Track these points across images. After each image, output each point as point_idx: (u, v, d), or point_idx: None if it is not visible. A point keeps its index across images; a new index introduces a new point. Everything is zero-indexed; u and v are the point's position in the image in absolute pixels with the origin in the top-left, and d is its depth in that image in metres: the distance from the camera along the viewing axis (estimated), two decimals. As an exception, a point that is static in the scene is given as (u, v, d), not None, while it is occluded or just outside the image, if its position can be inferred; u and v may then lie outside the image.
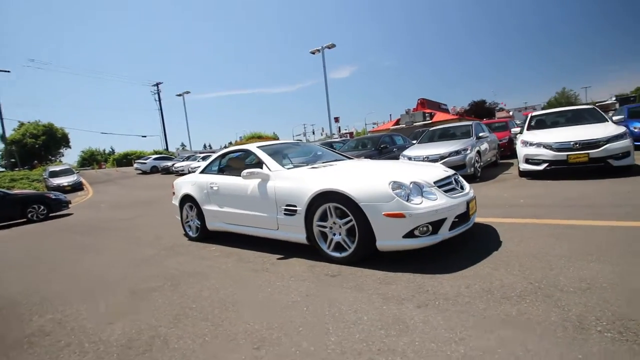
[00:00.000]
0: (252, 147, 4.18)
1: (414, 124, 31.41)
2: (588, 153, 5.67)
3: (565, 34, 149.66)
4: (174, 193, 5.15)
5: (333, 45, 19.30)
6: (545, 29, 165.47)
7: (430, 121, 31.69)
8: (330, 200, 2.94)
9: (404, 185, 2.73)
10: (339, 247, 2.99)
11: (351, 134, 70.71)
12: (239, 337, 1.92)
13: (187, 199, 4.66)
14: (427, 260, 2.72)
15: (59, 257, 4.68)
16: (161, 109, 39.24)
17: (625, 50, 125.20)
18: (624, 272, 2.14)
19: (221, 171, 4.45)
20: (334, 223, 2.97)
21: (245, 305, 2.35)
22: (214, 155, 4.70)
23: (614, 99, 46.30)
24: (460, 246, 2.98)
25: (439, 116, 32.81)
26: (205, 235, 4.48)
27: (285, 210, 3.31)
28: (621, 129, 5.86)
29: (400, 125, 31.94)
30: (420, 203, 2.65)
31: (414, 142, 10.45)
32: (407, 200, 2.64)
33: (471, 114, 36.31)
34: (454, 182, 3.12)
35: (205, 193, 4.32)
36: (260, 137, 36.26)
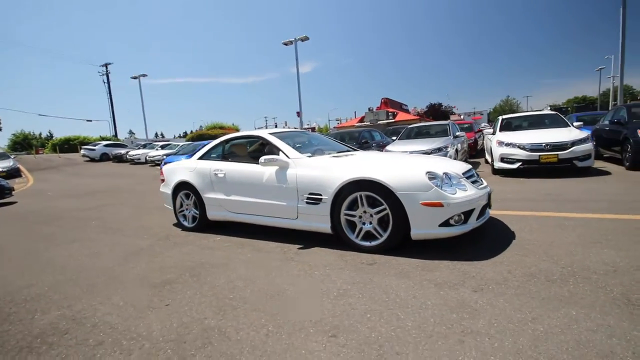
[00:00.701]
0: (264, 133, 4.00)
1: (378, 122, 32.37)
2: (557, 154, 6.28)
3: (511, 44, 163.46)
4: (162, 180, 4.76)
5: (306, 38, 19.06)
6: (492, 38, 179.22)
7: (393, 120, 32.94)
8: (362, 189, 2.92)
9: (438, 175, 2.79)
10: (367, 236, 2.99)
11: (313, 128, 70.95)
12: (306, 325, 1.83)
13: (182, 186, 4.33)
14: (453, 248, 2.82)
15: (28, 248, 4.10)
16: (110, 92, 35.95)
17: (557, 65, 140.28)
18: (636, 256, 2.40)
19: (225, 158, 4.20)
20: (364, 212, 2.96)
21: (292, 295, 2.25)
22: (216, 141, 4.42)
23: (548, 109, 52.01)
24: (477, 236, 3.13)
25: (401, 116, 34.16)
26: (203, 226, 4.22)
27: (308, 198, 3.22)
28: (584, 134, 6.57)
29: (365, 123, 32.72)
30: (455, 193, 2.73)
31: (394, 138, 10.76)
32: (442, 190, 2.71)
33: (429, 116, 38.28)
34: (475, 175, 3.26)
35: (208, 180, 4.05)
36: (222, 128, 34.95)
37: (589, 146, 6.28)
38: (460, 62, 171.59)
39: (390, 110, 34.49)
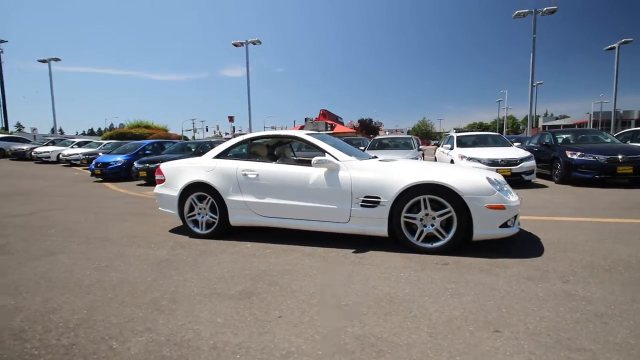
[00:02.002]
0: (301, 134, 3.85)
1: (318, 132, 33.16)
2: (510, 169, 7.38)
3: (425, 68, 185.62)
4: (161, 180, 4.16)
5: (258, 42, 18.67)
6: (409, 61, 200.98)
7: (331, 131, 34.15)
8: (425, 192, 3.04)
9: (495, 181, 3.09)
10: (427, 238, 3.11)
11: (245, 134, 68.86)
12: (461, 324, 1.85)
13: (195, 188, 3.86)
14: (489, 249, 3.11)
15: (-15, 265, 3.14)
16: (1, 77, 29.58)
17: (457, 93, 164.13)
18: (643, 249, 3.02)
19: (251, 157, 3.90)
20: (426, 214, 3.08)
21: (406, 297, 2.22)
22: (237, 139, 4.05)
23: (454, 131, 60.53)
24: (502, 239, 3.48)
25: (339, 128, 35.66)
26: (222, 233, 3.81)
27: (364, 201, 3.21)
28: (528, 152, 7.87)
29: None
30: (509, 198, 3.05)
31: (361, 148, 11.19)
32: (502, 195, 3.00)
33: (362, 130, 40.85)
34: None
35: (234, 182, 3.70)
36: (148, 127, 31.61)
37: (533, 163, 7.54)
38: (384, 84, 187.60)
39: (329, 122, 35.75)
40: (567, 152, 7.60)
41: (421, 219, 3.11)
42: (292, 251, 3.28)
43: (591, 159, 7.13)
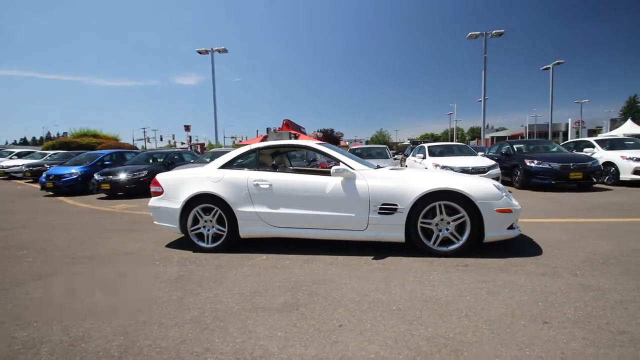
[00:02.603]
0: (312, 144, 3.89)
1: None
2: (480, 176, 8.01)
3: (380, 81, 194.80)
4: (157, 193, 3.92)
5: (225, 50, 18.28)
6: (365, 74, 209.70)
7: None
8: (441, 199, 3.22)
9: (500, 187, 3.36)
10: (442, 242, 3.28)
11: (202, 145, 66.67)
12: (493, 323, 1.99)
13: (200, 199, 3.69)
14: (501, 250, 3.39)
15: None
16: None
17: (409, 105, 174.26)
18: (627, 244, 3.46)
19: (260, 167, 3.83)
20: (441, 220, 3.26)
21: (442, 300, 2.32)
22: (244, 149, 3.95)
23: (408, 141, 63.94)
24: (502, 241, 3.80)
25: (303, 138, 35.91)
26: (229, 246, 3.67)
27: (382, 209, 3.31)
28: (493, 161, 8.60)
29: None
30: (513, 202, 3.34)
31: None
32: (509, 199, 3.27)
33: (325, 140, 41.56)
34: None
35: (244, 192, 3.60)
36: (96, 136, 29.22)
37: (498, 170, 8.26)
38: (343, 95, 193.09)
39: (293, 131, 35.84)
40: (526, 160, 8.44)
41: (437, 224, 3.28)
42: (312, 261, 3.26)
43: (547, 166, 7.99)
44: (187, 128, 60.04)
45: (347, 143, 60.76)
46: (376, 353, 1.70)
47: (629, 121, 37.26)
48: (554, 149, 9.76)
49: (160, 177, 4.00)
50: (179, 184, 3.84)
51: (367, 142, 73.61)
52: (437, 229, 3.28)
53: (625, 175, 8.20)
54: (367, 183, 3.39)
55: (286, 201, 3.54)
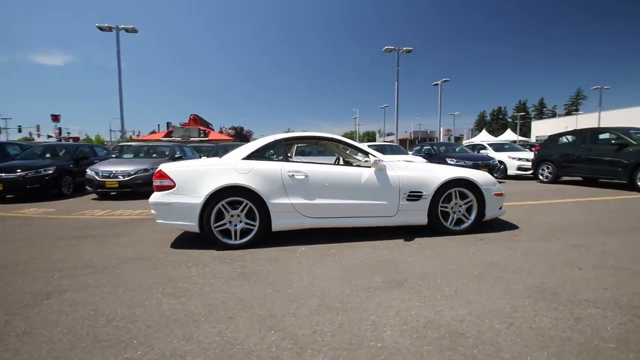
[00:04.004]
0: (338, 136, 3.96)
1: (190, 138, 30.52)
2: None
3: (283, 82, 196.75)
4: (167, 187, 3.45)
5: (134, 30, 15.75)
6: (274, 71, 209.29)
7: (206, 138, 32.00)
8: (456, 186, 3.82)
9: (493, 175, 4.16)
10: (456, 222, 3.88)
11: (77, 138, 55.98)
12: (552, 274, 2.63)
13: (226, 193, 3.41)
14: (489, 227, 4.22)
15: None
16: None
17: (313, 107, 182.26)
18: (597, 216, 4.70)
19: (284, 158, 3.75)
20: (456, 203, 3.86)
21: (500, 265, 2.86)
22: (269, 139, 3.75)
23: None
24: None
25: (213, 135, 33.81)
26: (258, 240, 3.51)
27: (410, 196, 3.72)
28: (424, 159, 10.03)
29: (175, 138, 29.88)
30: (502, 187, 4.18)
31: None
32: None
33: (236, 138, 39.94)
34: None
35: (279, 184, 3.49)
36: None
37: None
38: (251, 91, 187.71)
39: (202, 127, 33.30)
40: (447, 158, 10.14)
41: (452, 207, 3.87)
42: (356, 247, 3.42)
43: (463, 163, 9.78)
44: (55, 118, 49.29)
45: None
46: (512, 306, 2.07)
47: (484, 131, 47.41)
48: (458, 149, 11.96)
49: (169, 169, 3.50)
50: (198, 176, 3.45)
51: (273, 142, 73.30)
52: (452, 212, 3.87)
53: (512, 171, 10.73)
54: (397, 173, 3.74)
55: (323, 192, 3.60)
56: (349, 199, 3.64)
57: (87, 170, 7.74)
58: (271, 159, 3.72)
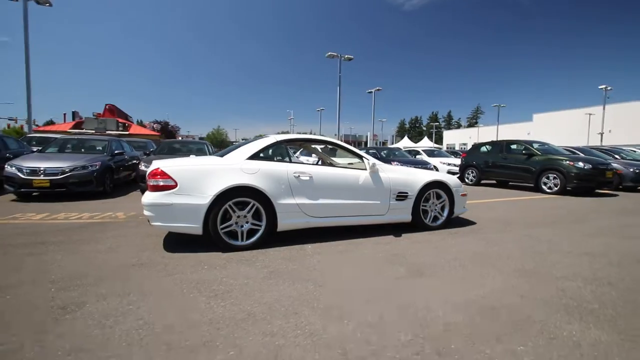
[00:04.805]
0: (334, 140, 4.16)
1: (107, 131, 27.00)
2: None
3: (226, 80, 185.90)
4: (168, 187, 3.24)
5: (47, 2, 13.18)
6: (211, 71, 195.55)
7: (126, 132, 28.68)
8: (433, 187, 4.38)
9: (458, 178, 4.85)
10: (432, 219, 4.43)
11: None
12: (540, 255, 3.30)
13: (234, 193, 3.36)
14: (455, 223, 4.94)
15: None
16: None
17: (245, 106, 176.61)
18: (526, 212, 5.68)
19: (284, 159, 3.81)
20: (433, 203, 4.41)
21: (487, 253, 3.44)
22: (269, 140, 3.74)
23: (243, 141, 65.65)
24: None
25: (136, 129, 30.44)
26: (263, 241, 3.53)
27: (398, 196, 4.14)
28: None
29: (89, 130, 26.07)
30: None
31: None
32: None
33: (161, 133, 36.52)
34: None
35: (285, 185, 3.56)
36: None
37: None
38: (178, 83, 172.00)
39: (121, 120, 29.62)
40: (392, 162, 11.10)
41: (430, 206, 4.41)
42: (357, 244, 3.68)
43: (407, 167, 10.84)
44: None
45: (181, 138, 55.65)
46: (504, 282, 2.57)
47: (405, 137, 52.17)
48: (397, 153, 13.17)
49: (169, 168, 3.28)
50: (202, 176, 3.31)
51: (200, 138, 69.53)
52: (430, 210, 4.42)
53: (443, 174, 12.26)
54: (388, 175, 4.12)
55: (326, 192, 3.77)
56: (349, 199, 3.89)
57: (6, 166, 6.46)
58: (272, 159, 3.76)
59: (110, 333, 1.82)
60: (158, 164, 3.34)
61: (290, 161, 3.82)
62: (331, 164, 4.87)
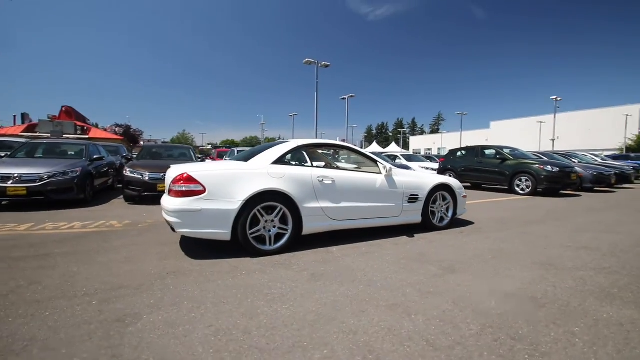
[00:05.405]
0: (351, 145, 4.27)
1: (64, 135, 25.05)
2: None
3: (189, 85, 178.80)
4: (196, 192, 3.17)
5: None
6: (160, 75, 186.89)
7: (86, 135, 26.80)
8: (440, 190, 4.64)
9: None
10: (439, 219, 4.68)
11: None
12: (548, 252, 3.61)
13: (262, 198, 3.36)
14: (456, 224, 5.24)
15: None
16: None
17: (209, 111, 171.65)
18: (513, 212, 6.09)
19: (304, 163, 3.86)
20: (439, 204, 4.67)
21: (495, 248, 3.71)
22: (291, 145, 3.77)
23: (210, 146, 64.09)
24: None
25: (97, 132, 28.56)
26: (290, 245, 3.55)
27: (410, 198, 4.34)
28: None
29: (43, 134, 23.99)
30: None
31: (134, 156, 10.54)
32: (462, 189, 5.11)
33: (124, 137, 34.45)
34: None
35: (310, 188, 3.61)
36: None
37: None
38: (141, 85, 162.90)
39: (79, 123, 27.55)
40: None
41: (437, 208, 4.66)
42: (379, 245, 3.80)
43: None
44: None
45: (142, 143, 53.18)
46: (530, 275, 2.82)
47: (374, 143, 53.59)
48: (383, 160, 13.58)
49: (197, 173, 3.20)
50: (230, 181, 3.27)
51: (164, 142, 66.89)
52: (437, 211, 4.67)
53: (422, 178, 12.82)
54: (400, 179, 4.31)
55: (347, 195, 3.86)
56: (368, 202, 4.02)
57: (-26, 172, 5.82)
58: (290, 164, 3.78)
59: (189, 342, 1.77)
60: (184, 169, 3.25)
61: (312, 165, 3.88)
62: (338, 168, 4.99)
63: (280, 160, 3.68)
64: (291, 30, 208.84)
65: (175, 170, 3.39)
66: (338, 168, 4.96)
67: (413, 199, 4.36)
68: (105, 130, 33.31)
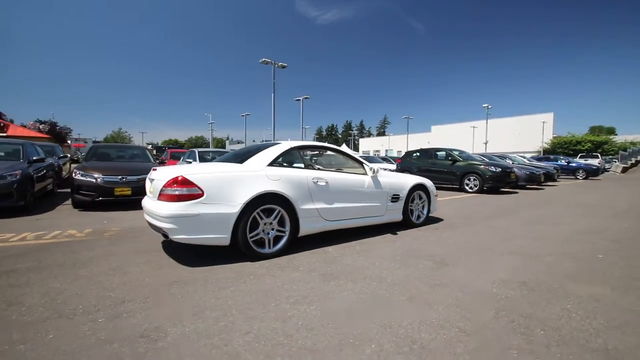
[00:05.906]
0: (340, 148, 4.33)
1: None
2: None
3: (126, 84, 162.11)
4: (193, 196, 3.03)
5: None
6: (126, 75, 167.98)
7: (3, 133, 23.26)
8: (418, 190, 4.97)
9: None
10: (416, 217, 5.01)
11: None
12: (529, 241, 4.08)
13: (261, 200, 3.31)
14: (429, 221, 5.65)
15: None
16: None
17: (146, 109, 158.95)
18: (471, 208, 6.66)
19: (307, 166, 3.91)
20: (417, 203, 5.00)
21: (474, 241, 4.10)
22: (284, 147, 3.72)
23: (150, 146, 59.86)
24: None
25: (15, 130, 24.89)
26: (287, 247, 3.55)
27: (392, 198, 4.60)
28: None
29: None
30: (432, 190, 5.63)
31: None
32: (433, 189, 5.52)
33: (49, 135, 30.41)
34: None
35: (305, 190, 3.64)
36: None
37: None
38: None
39: (-6, 119, 23.74)
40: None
41: (415, 206, 4.98)
42: (370, 243, 3.97)
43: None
44: None
45: (70, 142, 47.80)
46: (515, 263, 3.20)
47: (344, 145, 54.39)
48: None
49: (194, 175, 3.04)
50: (228, 184, 3.17)
51: (94, 142, 60.81)
52: (415, 210, 4.99)
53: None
54: (384, 180, 4.53)
55: (339, 196, 3.96)
56: (357, 202, 4.16)
57: None
58: (284, 166, 3.76)
59: (233, 350, 1.72)
60: (178, 172, 3.07)
61: (305, 167, 3.90)
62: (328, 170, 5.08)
63: (276, 162, 3.66)
64: (241, 30, 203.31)
65: (165, 173, 3.19)
66: (329, 170, 5.06)
67: (395, 198, 4.61)
68: (25, 127, 29.09)
